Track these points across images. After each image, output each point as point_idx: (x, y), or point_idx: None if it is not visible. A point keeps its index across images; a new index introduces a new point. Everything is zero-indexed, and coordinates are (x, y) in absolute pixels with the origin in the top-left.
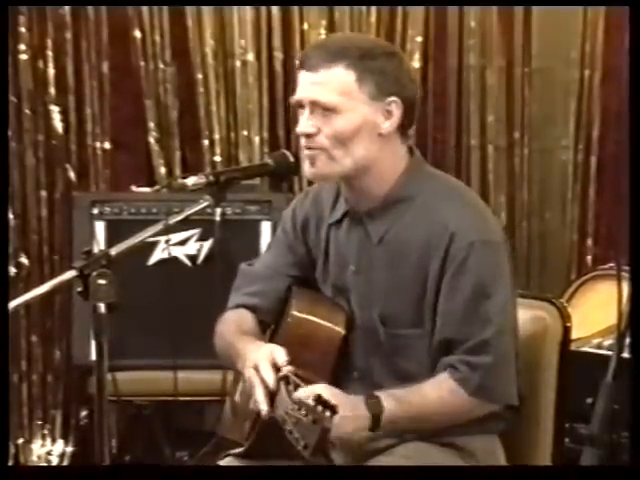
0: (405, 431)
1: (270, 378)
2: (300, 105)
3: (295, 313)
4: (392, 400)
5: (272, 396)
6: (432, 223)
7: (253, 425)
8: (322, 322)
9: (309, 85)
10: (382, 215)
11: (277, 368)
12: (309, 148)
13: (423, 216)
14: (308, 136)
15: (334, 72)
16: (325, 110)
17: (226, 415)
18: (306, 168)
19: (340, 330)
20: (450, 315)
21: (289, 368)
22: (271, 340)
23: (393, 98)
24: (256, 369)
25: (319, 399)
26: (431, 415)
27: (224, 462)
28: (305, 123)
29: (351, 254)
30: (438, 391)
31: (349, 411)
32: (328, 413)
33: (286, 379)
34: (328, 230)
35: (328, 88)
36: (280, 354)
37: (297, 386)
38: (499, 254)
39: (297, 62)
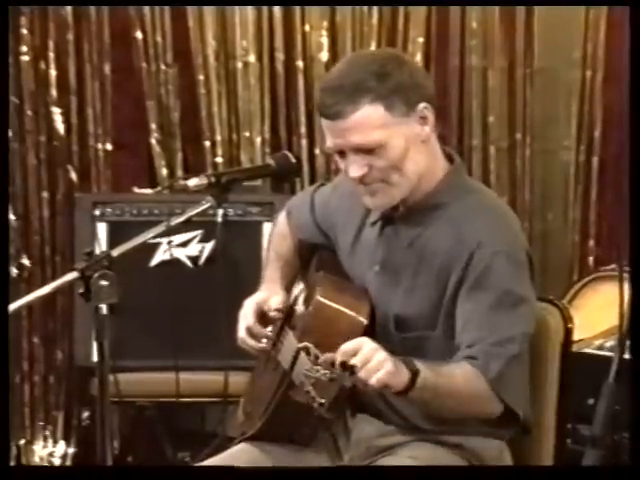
0: (429, 404)
1: (250, 318)
2: (340, 151)
3: (320, 299)
4: (422, 365)
5: (251, 333)
6: (461, 233)
7: (267, 407)
8: (346, 310)
9: (342, 132)
10: (416, 220)
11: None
12: (365, 184)
13: (454, 225)
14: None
15: (362, 113)
16: (369, 149)
17: (239, 411)
18: (367, 201)
19: (363, 320)
20: (473, 320)
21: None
22: (295, 322)
23: (423, 104)
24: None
25: (341, 363)
26: (455, 392)
27: (236, 448)
28: (355, 167)
29: (378, 255)
30: (462, 371)
31: (392, 366)
32: (347, 373)
33: (306, 350)
34: (361, 227)
35: (364, 131)
36: (274, 301)
37: (317, 357)
38: (521, 269)
39: (315, 107)
